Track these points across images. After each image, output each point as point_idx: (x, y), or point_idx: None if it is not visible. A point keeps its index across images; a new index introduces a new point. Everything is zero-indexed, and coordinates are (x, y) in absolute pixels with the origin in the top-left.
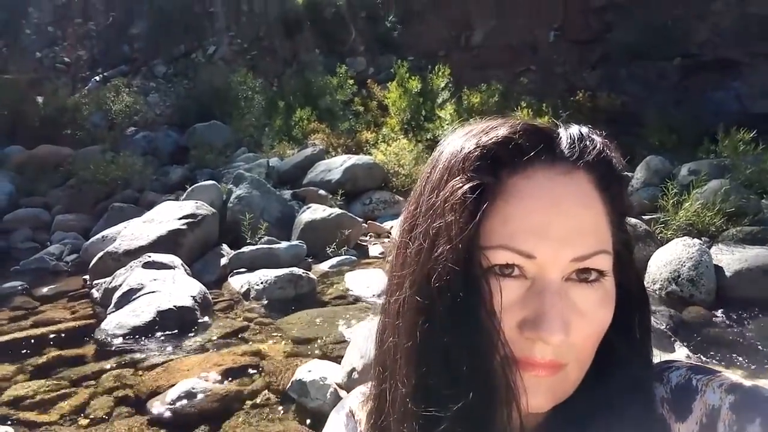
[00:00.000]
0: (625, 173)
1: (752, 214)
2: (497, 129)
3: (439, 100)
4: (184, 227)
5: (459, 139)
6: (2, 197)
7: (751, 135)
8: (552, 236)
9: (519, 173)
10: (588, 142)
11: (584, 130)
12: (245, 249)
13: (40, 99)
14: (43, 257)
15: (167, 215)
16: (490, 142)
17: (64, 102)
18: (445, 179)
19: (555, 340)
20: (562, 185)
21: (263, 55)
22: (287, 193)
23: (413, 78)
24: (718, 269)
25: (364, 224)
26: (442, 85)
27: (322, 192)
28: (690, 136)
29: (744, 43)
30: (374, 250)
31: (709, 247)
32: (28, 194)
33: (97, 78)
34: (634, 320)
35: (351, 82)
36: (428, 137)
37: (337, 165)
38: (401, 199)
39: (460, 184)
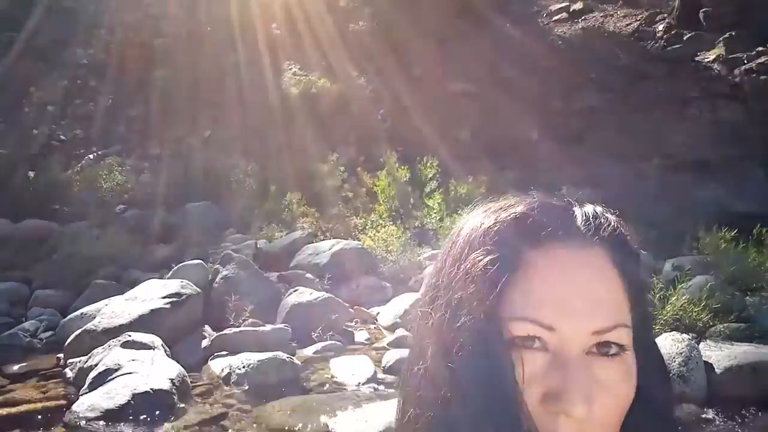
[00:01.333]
0: (640, 251)
1: (738, 311)
2: (515, 206)
3: (427, 190)
4: (168, 306)
5: (478, 216)
6: None
7: (732, 234)
8: (572, 309)
9: (537, 248)
10: (603, 219)
11: (598, 208)
12: (228, 331)
13: (31, 174)
14: (16, 333)
15: (151, 293)
16: (509, 218)
17: (56, 178)
18: (465, 252)
19: (578, 413)
20: (579, 259)
21: (256, 140)
22: (274, 276)
23: (402, 168)
24: (708, 366)
25: (350, 309)
26: (430, 175)
27: (309, 275)
28: (671, 232)
29: (718, 146)
30: (360, 336)
31: (698, 343)
32: (9, 268)
33: (92, 156)
34: (656, 396)
35: (341, 169)
36: (416, 225)
37: (325, 249)
38: (388, 285)
39: (481, 257)
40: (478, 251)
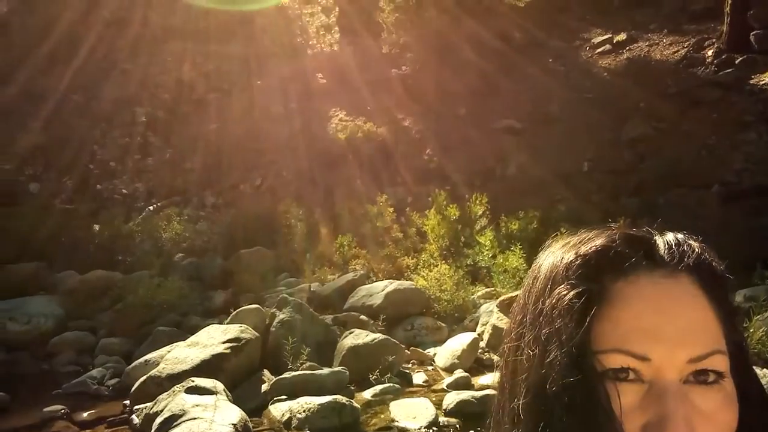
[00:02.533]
0: (728, 276)
1: None
2: (594, 239)
3: (478, 227)
4: (228, 351)
5: (557, 252)
6: (51, 321)
7: None
8: (665, 337)
9: (622, 279)
10: (686, 247)
11: (680, 236)
12: (287, 375)
13: (96, 227)
14: (84, 381)
15: (211, 339)
16: (590, 251)
17: (119, 230)
18: (549, 288)
19: None
20: (667, 288)
21: (306, 185)
22: (329, 318)
23: (451, 206)
24: None
25: (407, 351)
26: (480, 212)
27: (363, 317)
28: (738, 262)
29: None
30: (418, 378)
31: None
32: (76, 318)
33: (151, 208)
34: (759, 424)
35: (390, 210)
36: (468, 263)
37: (378, 290)
38: (444, 325)
39: (566, 291)
40: (562, 286)
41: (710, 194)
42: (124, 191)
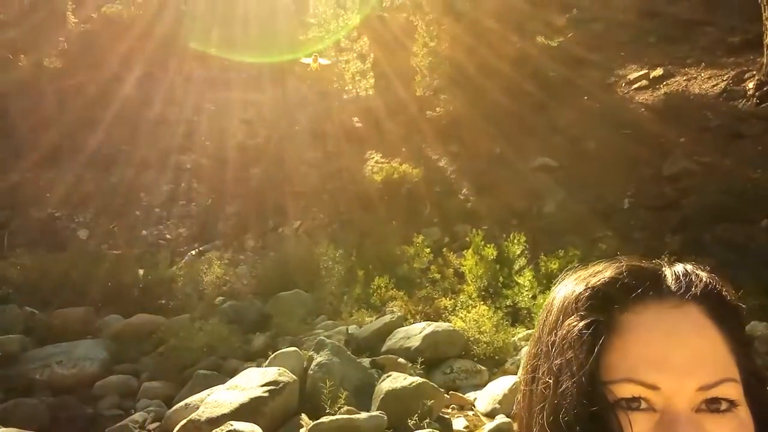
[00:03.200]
0: (739, 305)
1: None
2: (603, 271)
3: (516, 267)
4: (266, 395)
5: (570, 284)
6: (96, 364)
7: None
8: (673, 366)
9: (630, 310)
10: (693, 277)
11: (689, 266)
12: (324, 419)
13: (141, 272)
14: (127, 425)
15: (250, 382)
16: (598, 283)
17: (162, 274)
18: (560, 320)
19: None
20: (674, 317)
21: (343, 227)
22: (366, 361)
23: (488, 246)
24: None
25: (446, 395)
26: (518, 252)
27: (401, 360)
28: None
29: None
30: (458, 423)
31: None
32: (120, 361)
33: (193, 252)
34: None
35: (427, 250)
36: (508, 304)
37: (416, 332)
38: (483, 368)
39: (575, 322)
40: (572, 317)
41: (758, 229)
42: (168, 236)
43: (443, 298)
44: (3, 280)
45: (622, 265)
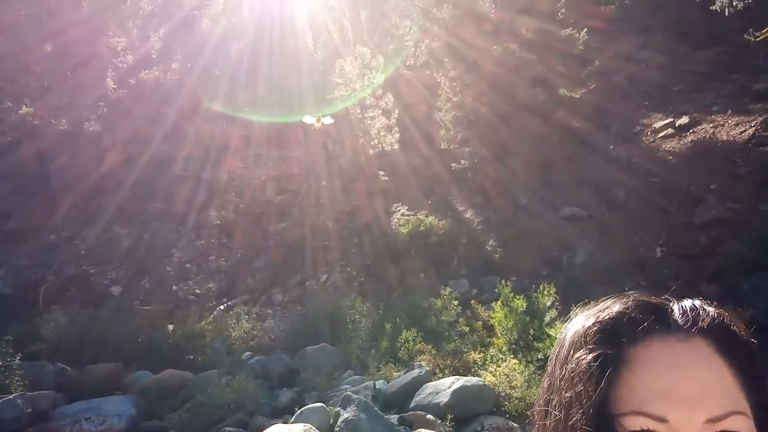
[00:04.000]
0: (750, 339)
1: None
2: (612, 306)
3: (547, 319)
4: None
5: (579, 320)
6: (124, 421)
7: None
8: (681, 398)
9: (638, 343)
10: (701, 311)
11: (696, 302)
12: None
13: (170, 327)
14: None
15: None
16: (606, 317)
17: (191, 329)
18: (570, 354)
19: None
20: (681, 351)
21: (371, 280)
22: (394, 418)
23: (518, 297)
24: None
25: None
26: (549, 303)
27: (430, 416)
28: None
29: None
30: None
31: None
32: (148, 418)
33: (222, 307)
34: None
35: (455, 303)
36: (539, 357)
37: (445, 387)
38: (516, 425)
39: (584, 355)
40: (581, 351)
41: None
42: (198, 291)
43: (472, 352)
44: (36, 336)
45: (630, 300)
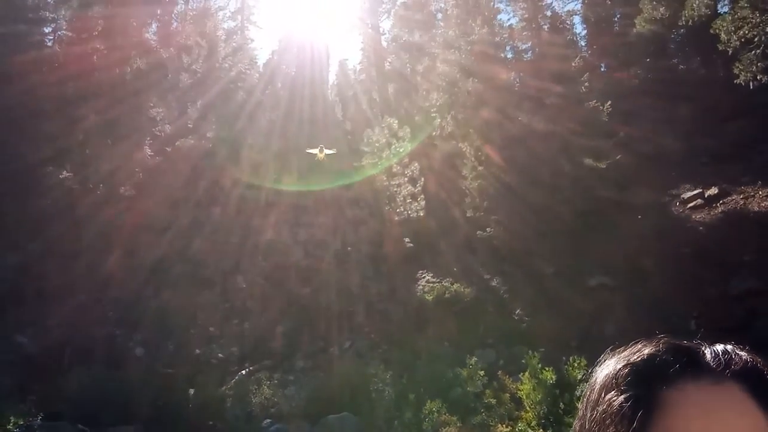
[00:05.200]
0: None
1: None
2: (643, 349)
3: (578, 393)
4: None
5: (610, 362)
6: None
7: None
8: None
9: (670, 386)
10: (733, 355)
11: (728, 346)
12: None
13: (192, 391)
14: None
15: None
16: (638, 360)
17: (212, 394)
18: (602, 396)
19: None
20: (713, 394)
21: (395, 348)
22: None
23: (547, 369)
24: None
25: None
26: (579, 376)
27: None
28: None
29: None
30: None
31: None
32: None
33: (244, 372)
34: None
35: (481, 373)
36: None
37: None
38: None
39: (616, 397)
40: (613, 392)
41: None
42: (220, 355)
43: (500, 426)
44: (59, 396)
45: (661, 343)
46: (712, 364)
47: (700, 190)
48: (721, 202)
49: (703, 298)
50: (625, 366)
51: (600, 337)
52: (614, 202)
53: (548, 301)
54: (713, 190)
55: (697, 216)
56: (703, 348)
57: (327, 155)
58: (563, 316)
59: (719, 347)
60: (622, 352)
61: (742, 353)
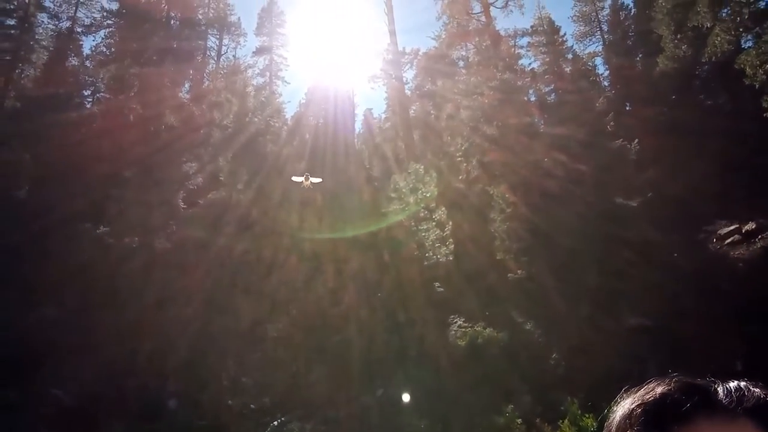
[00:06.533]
0: None
1: None
2: (656, 389)
3: None
4: None
5: (626, 403)
6: None
7: None
8: None
9: (683, 425)
10: (746, 392)
11: (742, 383)
12: None
13: None
14: None
15: None
16: (650, 399)
17: None
18: None
19: None
20: (726, 431)
21: (428, 395)
22: None
23: (587, 416)
24: None
25: None
26: None
27: None
28: None
29: None
30: None
31: None
32: None
33: (275, 423)
34: None
35: (518, 421)
36: None
37: None
38: None
39: None
40: None
41: None
42: (252, 406)
43: None
44: None
45: (673, 382)
46: (724, 401)
47: (737, 226)
48: (759, 237)
49: (748, 338)
50: (638, 406)
51: (640, 379)
52: (648, 241)
53: (586, 344)
54: (750, 225)
55: (736, 252)
56: (716, 386)
57: (313, 183)
58: (602, 360)
59: (732, 384)
60: (636, 392)
61: (756, 390)
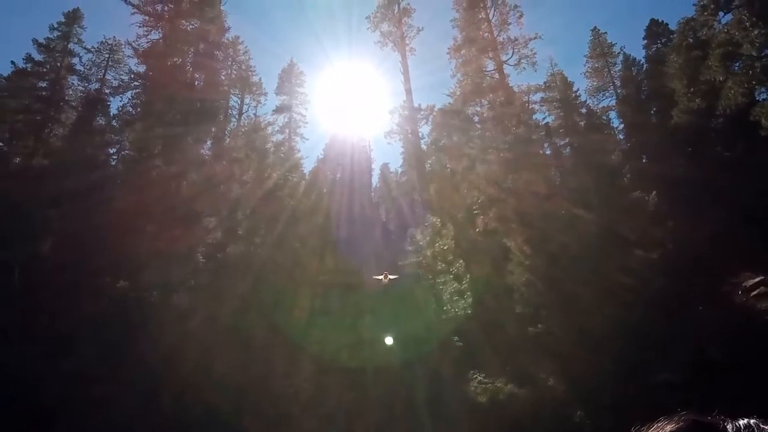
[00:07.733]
0: None
1: None
2: (664, 427)
3: None
4: None
5: None
6: None
7: None
8: None
9: None
10: (755, 429)
11: (752, 421)
12: None
13: None
14: None
15: None
16: None
17: None
18: None
19: None
20: None
21: None
22: None
23: None
24: None
25: None
26: None
27: None
28: None
29: None
30: None
31: None
32: None
33: None
34: None
35: None
36: None
37: None
38: None
39: None
40: None
41: None
42: None
43: None
44: None
45: (683, 420)
46: None
47: (762, 278)
48: None
49: None
50: None
51: None
52: (669, 293)
53: (610, 400)
54: None
55: (763, 305)
56: (725, 423)
57: (390, 280)
58: (628, 417)
59: (742, 422)
60: (647, 431)
61: (765, 427)
